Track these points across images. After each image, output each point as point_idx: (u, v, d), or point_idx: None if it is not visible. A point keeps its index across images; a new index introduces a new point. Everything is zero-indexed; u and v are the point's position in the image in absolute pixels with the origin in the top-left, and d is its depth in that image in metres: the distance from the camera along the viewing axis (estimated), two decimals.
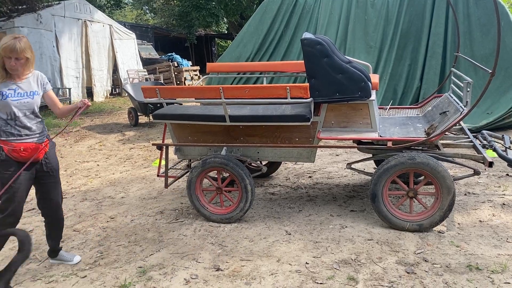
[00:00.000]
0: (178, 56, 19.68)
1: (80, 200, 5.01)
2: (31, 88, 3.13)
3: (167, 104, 4.48)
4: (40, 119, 3.22)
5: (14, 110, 3.02)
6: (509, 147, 4.07)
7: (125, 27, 17.91)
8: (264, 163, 5.21)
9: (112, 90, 16.10)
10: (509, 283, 2.89)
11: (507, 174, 5.14)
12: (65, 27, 13.58)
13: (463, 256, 3.28)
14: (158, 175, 4.49)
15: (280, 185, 5.22)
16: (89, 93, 14.57)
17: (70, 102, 12.72)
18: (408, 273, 3.09)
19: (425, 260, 3.24)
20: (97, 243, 3.85)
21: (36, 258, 3.60)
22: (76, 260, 3.51)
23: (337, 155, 6.51)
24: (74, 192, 5.31)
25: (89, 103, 3.41)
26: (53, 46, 13.05)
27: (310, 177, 5.48)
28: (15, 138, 3.03)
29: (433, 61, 8.02)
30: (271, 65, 5.59)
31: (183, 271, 3.25)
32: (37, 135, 3.15)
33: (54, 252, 3.51)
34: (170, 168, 4.65)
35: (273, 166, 5.44)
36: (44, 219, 3.42)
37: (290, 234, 3.82)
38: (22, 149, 3.04)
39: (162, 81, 14.80)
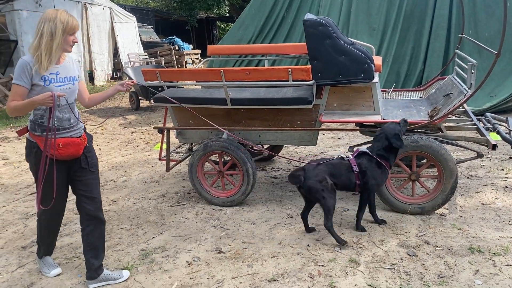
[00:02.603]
0: (179, 40, 19.51)
1: None
2: (71, 72, 2.73)
3: (168, 87, 4.43)
4: (77, 109, 2.86)
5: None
6: None
7: (126, 10, 17.73)
8: (266, 146, 5.19)
9: (113, 73, 16.01)
10: (510, 265, 2.89)
11: (510, 157, 5.11)
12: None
13: (465, 238, 3.28)
14: (159, 159, 4.49)
15: (282, 168, 5.21)
16: (90, 76, 14.50)
17: None
18: (410, 255, 3.09)
19: (427, 243, 3.24)
20: None
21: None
22: (125, 276, 3.00)
23: (339, 138, 6.48)
24: None
25: (134, 81, 2.95)
26: None
27: (312, 160, 5.45)
28: (51, 133, 2.63)
29: (437, 44, 7.92)
30: (273, 47, 5.53)
31: (185, 254, 3.26)
32: (76, 128, 2.78)
33: (97, 270, 2.92)
34: (172, 151, 4.64)
35: (275, 149, 5.43)
36: (82, 227, 2.91)
37: (291, 217, 3.82)
38: (60, 145, 2.65)
39: (163, 65, 14.71)
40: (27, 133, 2.75)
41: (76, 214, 4.14)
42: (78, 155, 2.76)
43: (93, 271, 2.89)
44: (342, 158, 3.46)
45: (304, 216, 3.52)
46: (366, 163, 3.37)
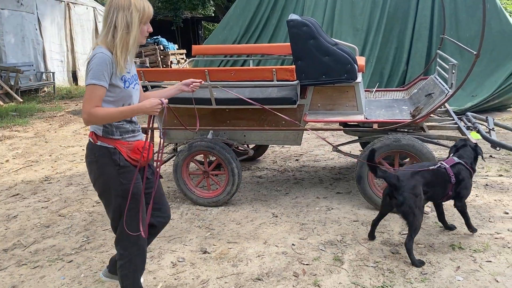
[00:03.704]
0: (164, 40, 19.37)
1: (66, 185, 4.96)
2: (133, 68, 2.36)
3: (152, 87, 4.41)
4: None
5: (133, 100, 2.28)
6: (493, 128, 4.12)
7: None
8: (251, 146, 5.20)
9: None
10: (490, 261, 2.95)
11: (491, 156, 5.21)
12: (47, 9, 13.25)
13: (446, 236, 3.34)
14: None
15: (267, 168, 5.22)
16: (74, 77, 14.33)
17: (54, 86, 12.50)
18: (393, 253, 3.13)
19: None
20: (83, 227, 3.82)
21: (20, 244, 3.57)
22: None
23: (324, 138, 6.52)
24: (59, 177, 5.25)
25: (201, 81, 2.63)
26: (36, 29, 12.75)
27: (297, 160, 5.49)
28: (129, 135, 2.30)
29: (419, 44, 8.03)
30: (258, 47, 5.54)
31: (170, 255, 3.25)
32: (140, 130, 2.43)
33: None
34: (156, 152, 4.61)
35: (260, 149, 5.44)
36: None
37: (277, 216, 3.84)
38: (142, 148, 2.30)
39: (148, 65, 14.62)
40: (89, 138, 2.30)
41: (60, 216, 4.10)
42: (149, 160, 2.40)
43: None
44: (438, 165, 3.18)
45: (376, 224, 3.32)
46: (463, 173, 3.19)
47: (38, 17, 12.85)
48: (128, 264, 2.37)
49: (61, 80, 13.44)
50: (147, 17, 2.20)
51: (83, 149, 6.50)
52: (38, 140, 7.19)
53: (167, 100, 2.26)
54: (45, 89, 12.80)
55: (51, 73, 12.75)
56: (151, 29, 2.28)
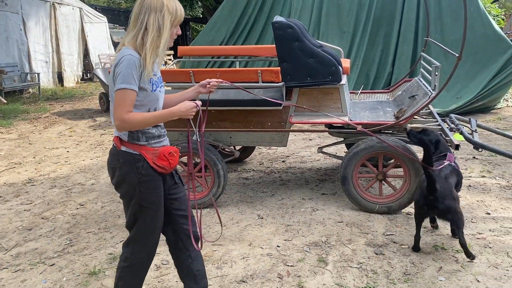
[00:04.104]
0: None
1: (49, 187, 4.90)
2: (159, 72, 2.27)
3: None
4: None
5: (159, 104, 2.19)
6: (475, 130, 4.17)
7: (97, 11, 17.41)
8: (237, 148, 5.20)
9: (83, 75, 15.69)
10: (472, 261, 2.98)
11: (474, 157, 5.28)
12: (32, 9, 13.08)
13: (429, 236, 3.37)
14: None
15: (253, 170, 5.22)
16: (60, 78, 14.16)
17: (39, 87, 12.35)
18: (377, 254, 3.15)
19: (394, 242, 3.31)
20: (66, 230, 3.78)
21: (2, 247, 3.51)
22: None
23: (310, 139, 6.55)
24: (43, 179, 5.19)
25: (219, 81, 2.46)
26: (20, 29, 12.57)
27: (283, 161, 5.50)
28: (155, 141, 2.18)
29: (405, 46, 8.11)
30: (244, 49, 5.55)
31: (154, 257, 3.22)
32: (165, 135, 2.31)
33: None
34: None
35: (247, 151, 5.44)
36: (184, 254, 2.36)
37: (262, 218, 3.84)
38: (169, 154, 2.18)
39: None
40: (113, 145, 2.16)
41: (43, 218, 4.04)
42: (175, 166, 2.27)
43: None
44: (448, 163, 3.17)
45: (418, 238, 3.12)
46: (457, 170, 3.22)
47: (22, 17, 12.68)
48: (130, 269, 2.27)
49: (46, 81, 13.27)
50: (178, 20, 2.12)
51: (67, 151, 6.43)
52: (22, 141, 7.09)
53: (200, 102, 2.20)
54: (30, 90, 12.63)
55: (36, 74, 12.59)
56: (179, 32, 2.18)
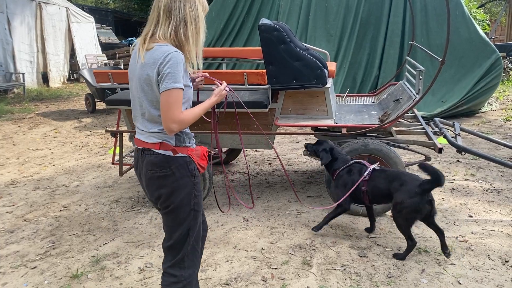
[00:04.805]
0: None
1: (32, 189, 4.83)
2: None
3: (122, 89, 4.35)
4: None
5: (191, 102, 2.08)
6: (459, 134, 4.23)
7: (84, 11, 17.27)
8: (223, 150, 5.18)
9: (69, 75, 15.54)
10: (454, 264, 3.01)
11: (458, 160, 5.34)
12: (18, 8, 12.92)
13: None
14: (112, 163, 4.39)
15: (240, 172, 5.21)
16: (45, 78, 14.00)
17: (24, 88, 12.19)
18: (361, 256, 3.17)
19: (377, 244, 3.33)
20: (49, 232, 3.73)
21: None
22: None
23: (297, 142, 6.56)
24: (26, 180, 5.11)
25: (225, 87, 2.25)
26: (5, 29, 12.40)
27: (270, 164, 5.50)
28: (193, 141, 2.12)
29: (391, 50, 8.18)
30: (232, 51, 5.54)
31: (137, 260, 3.20)
32: None
33: None
34: (125, 155, 4.55)
35: (233, 153, 5.43)
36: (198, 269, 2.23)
37: (247, 220, 3.83)
38: (207, 153, 2.15)
39: (121, 66, 14.41)
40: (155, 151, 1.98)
41: (25, 220, 3.99)
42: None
43: None
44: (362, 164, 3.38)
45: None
46: None
47: (7, 16, 12.52)
48: (187, 286, 2.10)
49: (30, 81, 13.10)
50: (206, 10, 2.03)
51: (52, 152, 6.35)
52: (5, 142, 6.98)
53: (225, 83, 2.19)
54: (15, 90, 12.46)
55: (21, 74, 12.43)
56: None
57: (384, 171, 3.28)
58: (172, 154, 1.97)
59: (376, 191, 3.24)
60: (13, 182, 5.08)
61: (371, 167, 3.31)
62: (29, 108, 10.19)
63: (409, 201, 2.98)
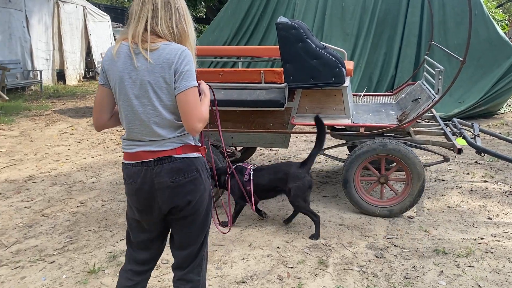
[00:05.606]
0: None
1: (50, 184, 4.89)
2: None
3: None
4: None
5: None
6: (478, 135, 4.16)
7: (100, 9, 17.42)
8: (238, 148, 5.19)
9: (85, 73, 15.71)
10: (473, 266, 2.97)
11: (476, 162, 5.26)
12: (36, 7, 13.10)
13: (431, 240, 3.36)
14: None
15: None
16: (62, 76, 14.17)
17: (41, 85, 12.36)
18: (378, 257, 3.14)
19: (394, 245, 3.30)
20: (66, 228, 3.77)
21: (2, 244, 3.50)
22: None
23: (311, 141, 6.53)
24: (44, 176, 5.18)
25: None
26: (24, 27, 12.58)
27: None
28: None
29: (408, 50, 8.10)
30: (247, 49, 5.54)
31: None
32: None
33: None
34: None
35: (248, 151, 5.43)
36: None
37: (262, 219, 3.83)
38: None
39: None
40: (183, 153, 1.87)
41: (43, 216, 4.04)
42: None
43: None
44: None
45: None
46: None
47: (26, 15, 12.69)
48: None
49: (45, 78, 13.26)
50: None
51: (69, 149, 6.42)
52: (23, 139, 7.08)
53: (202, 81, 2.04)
54: (32, 87, 12.64)
55: (38, 72, 12.60)
56: None
57: (262, 169, 3.61)
58: (196, 156, 1.89)
59: (261, 188, 3.52)
60: (31, 177, 5.15)
61: (250, 167, 3.58)
62: (46, 105, 10.32)
63: (301, 183, 3.39)
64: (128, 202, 1.99)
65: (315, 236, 3.42)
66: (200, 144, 1.94)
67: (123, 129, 1.89)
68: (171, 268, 2.12)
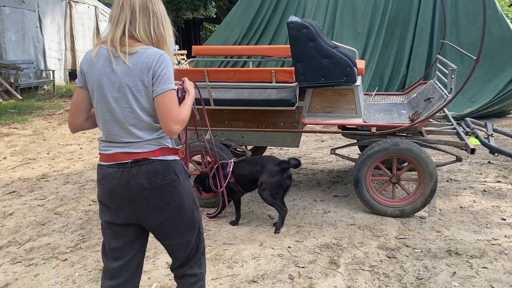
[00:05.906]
0: None
1: (62, 183, 4.95)
2: None
3: None
4: None
5: None
6: (491, 134, 4.11)
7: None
8: (249, 147, 5.19)
9: None
10: (486, 267, 2.94)
11: (489, 162, 5.20)
12: (49, 7, 13.25)
13: (443, 241, 3.33)
14: None
15: None
16: (74, 75, 14.31)
17: (54, 84, 12.49)
18: (389, 257, 3.12)
19: (406, 245, 3.28)
20: (79, 226, 3.81)
21: (16, 241, 3.55)
22: None
23: (322, 141, 6.52)
24: (56, 175, 5.24)
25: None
26: (36, 27, 12.74)
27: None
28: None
29: (420, 49, 8.03)
30: (258, 49, 5.53)
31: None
32: None
33: None
34: None
35: (258, 150, 5.43)
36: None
37: (273, 218, 3.83)
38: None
39: None
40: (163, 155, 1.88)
41: (56, 214, 4.08)
42: None
43: None
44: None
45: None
46: None
47: (39, 15, 12.85)
48: (203, 282, 2.14)
49: (58, 78, 13.41)
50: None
51: (81, 148, 6.49)
52: (36, 137, 7.17)
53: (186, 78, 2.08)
54: (45, 87, 12.79)
55: (51, 71, 12.73)
56: None
57: (243, 160, 3.75)
58: (173, 158, 1.90)
59: (242, 179, 3.61)
60: (44, 176, 5.21)
61: (231, 160, 3.70)
62: (58, 104, 10.44)
63: (272, 179, 3.49)
64: (100, 206, 1.98)
65: (277, 226, 3.55)
66: (176, 147, 1.96)
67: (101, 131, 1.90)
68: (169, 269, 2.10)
